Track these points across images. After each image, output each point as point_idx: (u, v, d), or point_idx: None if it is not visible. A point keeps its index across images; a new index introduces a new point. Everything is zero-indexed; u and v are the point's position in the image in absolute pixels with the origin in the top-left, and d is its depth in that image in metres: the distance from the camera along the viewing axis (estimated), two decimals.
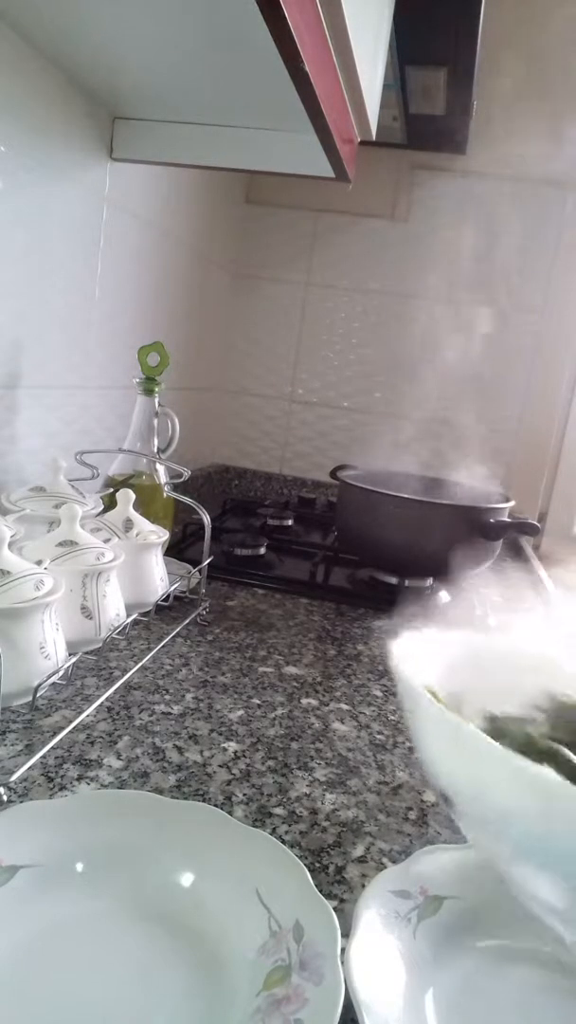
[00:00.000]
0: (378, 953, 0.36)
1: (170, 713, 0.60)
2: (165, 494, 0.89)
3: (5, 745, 0.51)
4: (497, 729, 0.33)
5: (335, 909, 0.37)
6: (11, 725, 0.54)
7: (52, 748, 0.51)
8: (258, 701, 0.65)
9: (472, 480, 1.04)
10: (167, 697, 0.63)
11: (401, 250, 1.53)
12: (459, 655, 0.40)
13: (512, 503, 0.98)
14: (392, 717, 0.66)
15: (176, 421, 0.96)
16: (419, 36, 0.98)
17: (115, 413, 1.07)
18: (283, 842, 0.44)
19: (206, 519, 0.83)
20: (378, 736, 0.62)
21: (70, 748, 0.52)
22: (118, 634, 0.64)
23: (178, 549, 1.03)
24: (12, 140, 0.75)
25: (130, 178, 1.02)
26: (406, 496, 0.95)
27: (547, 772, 0.26)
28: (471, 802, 0.29)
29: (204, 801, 0.48)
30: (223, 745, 0.56)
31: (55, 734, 0.53)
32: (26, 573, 0.52)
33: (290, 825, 0.47)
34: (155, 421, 0.90)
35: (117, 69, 0.78)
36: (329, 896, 0.41)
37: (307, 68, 0.59)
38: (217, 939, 0.37)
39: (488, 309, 1.45)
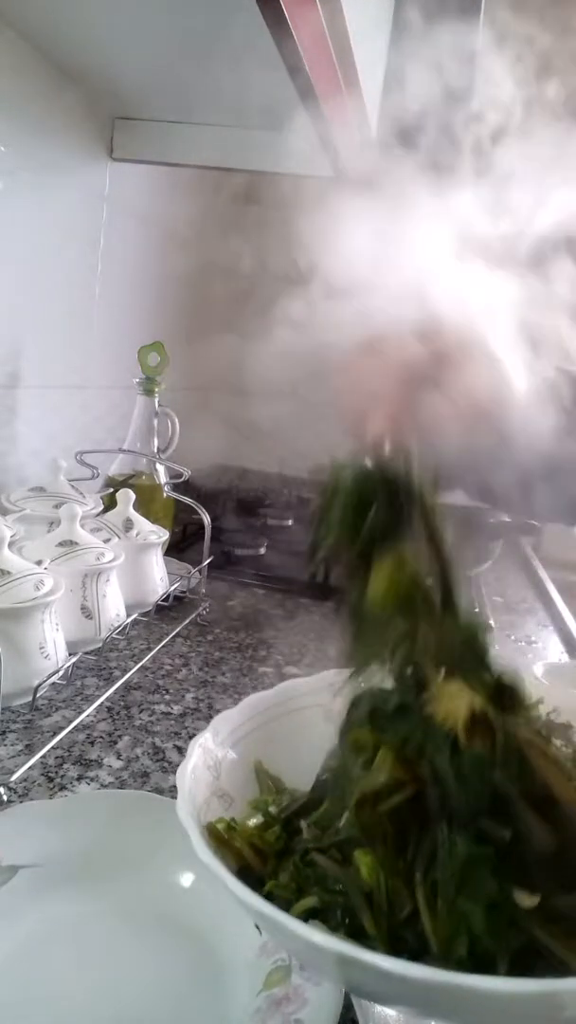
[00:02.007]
0: None
1: (170, 713, 0.60)
2: (165, 494, 0.89)
3: (5, 745, 0.51)
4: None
5: None
6: (11, 725, 0.54)
7: (52, 748, 0.51)
8: None
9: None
10: (167, 697, 0.63)
11: None
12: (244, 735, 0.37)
13: None
14: None
15: (176, 421, 0.96)
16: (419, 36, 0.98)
17: (115, 413, 1.07)
18: None
19: (206, 519, 0.83)
20: None
21: (70, 748, 0.52)
22: (118, 634, 0.64)
23: (178, 549, 1.03)
24: (12, 140, 0.75)
25: (130, 178, 1.02)
26: None
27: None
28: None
29: None
30: None
31: (55, 734, 0.52)
32: (26, 573, 0.52)
33: None
34: (155, 421, 0.90)
35: (117, 69, 0.78)
36: None
37: (307, 68, 0.59)
38: (217, 939, 0.37)
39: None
